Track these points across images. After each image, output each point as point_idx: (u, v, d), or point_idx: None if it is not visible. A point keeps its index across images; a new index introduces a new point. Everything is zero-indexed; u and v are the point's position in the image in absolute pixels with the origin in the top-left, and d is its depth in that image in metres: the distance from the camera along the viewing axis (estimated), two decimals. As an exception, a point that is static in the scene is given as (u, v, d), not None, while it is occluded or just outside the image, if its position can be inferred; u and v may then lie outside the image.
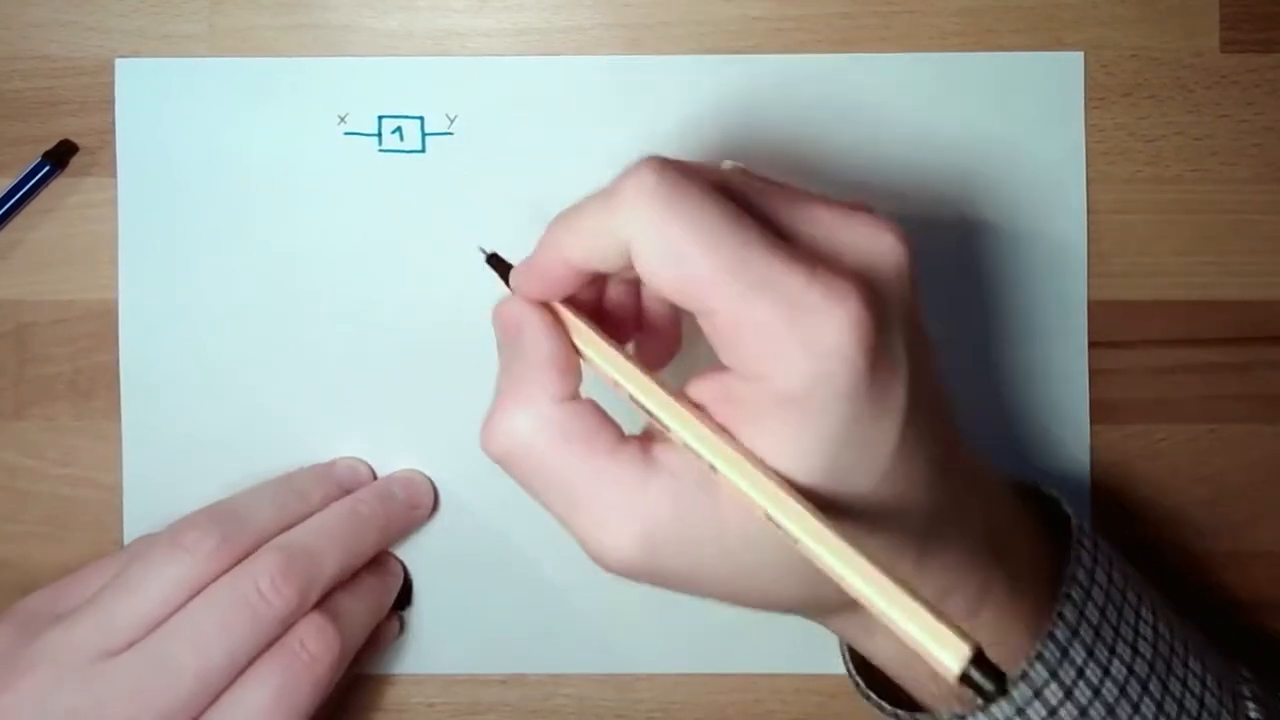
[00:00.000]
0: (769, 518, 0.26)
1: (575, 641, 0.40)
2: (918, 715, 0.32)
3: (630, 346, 0.33)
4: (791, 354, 0.26)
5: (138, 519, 0.39)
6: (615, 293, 0.32)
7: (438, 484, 0.40)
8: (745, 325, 0.26)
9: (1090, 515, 0.39)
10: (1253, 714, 0.34)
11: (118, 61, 0.39)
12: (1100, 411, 0.40)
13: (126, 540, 0.39)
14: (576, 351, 0.29)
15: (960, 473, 0.30)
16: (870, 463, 0.27)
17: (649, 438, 0.29)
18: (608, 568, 0.28)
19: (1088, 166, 0.39)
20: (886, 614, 0.24)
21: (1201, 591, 0.40)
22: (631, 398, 0.28)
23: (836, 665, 0.40)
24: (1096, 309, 0.40)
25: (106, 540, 0.40)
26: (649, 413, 0.28)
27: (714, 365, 0.28)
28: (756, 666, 0.40)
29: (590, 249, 0.28)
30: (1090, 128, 0.39)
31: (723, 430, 0.27)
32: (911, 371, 0.27)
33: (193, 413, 0.39)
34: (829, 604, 0.30)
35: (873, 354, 0.26)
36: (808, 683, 0.40)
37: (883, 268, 0.28)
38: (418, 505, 0.39)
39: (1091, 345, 0.40)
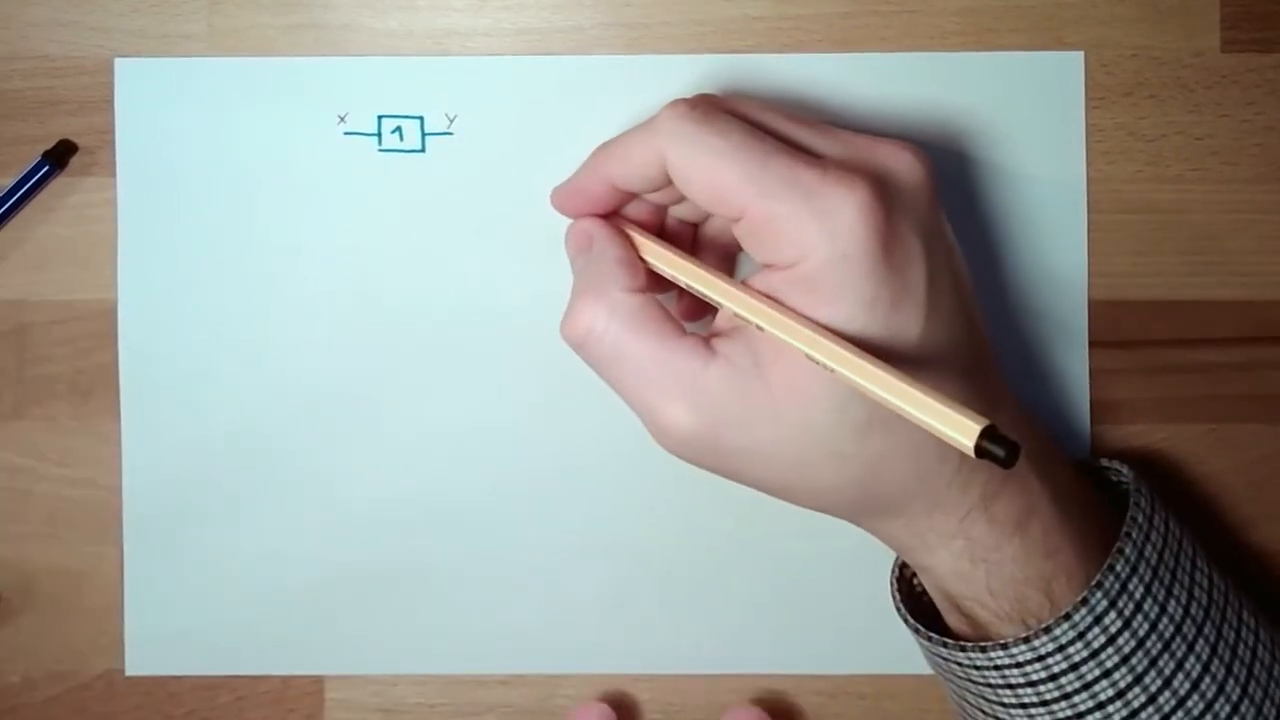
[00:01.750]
0: (808, 357, 0.29)
1: (575, 641, 0.40)
2: (965, 643, 0.33)
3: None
4: (811, 237, 0.30)
5: (137, 519, 0.39)
6: (671, 224, 0.36)
7: (438, 483, 0.40)
8: (771, 219, 0.30)
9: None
10: None
11: (117, 61, 0.39)
12: (1100, 411, 0.40)
13: (126, 541, 0.39)
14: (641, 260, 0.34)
15: (1000, 394, 0.33)
16: (898, 351, 0.30)
17: (705, 335, 0.33)
18: (670, 442, 0.32)
19: (1088, 166, 0.39)
20: (909, 409, 0.28)
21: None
22: (690, 286, 0.33)
23: (836, 666, 0.40)
24: (1096, 309, 0.40)
25: (106, 540, 0.40)
26: (703, 294, 0.32)
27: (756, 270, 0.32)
28: (756, 667, 0.40)
29: (631, 168, 0.33)
30: (1090, 128, 0.39)
31: (767, 298, 0.31)
32: (930, 272, 0.31)
33: (193, 413, 0.39)
34: (882, 502, 0.32)
35: (884, 238, 0.30)
36: (807, 683, 0.40)
37: (898, 177, 0.32)
38: None
39: (1091, 345, 0.40)
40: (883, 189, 0.31)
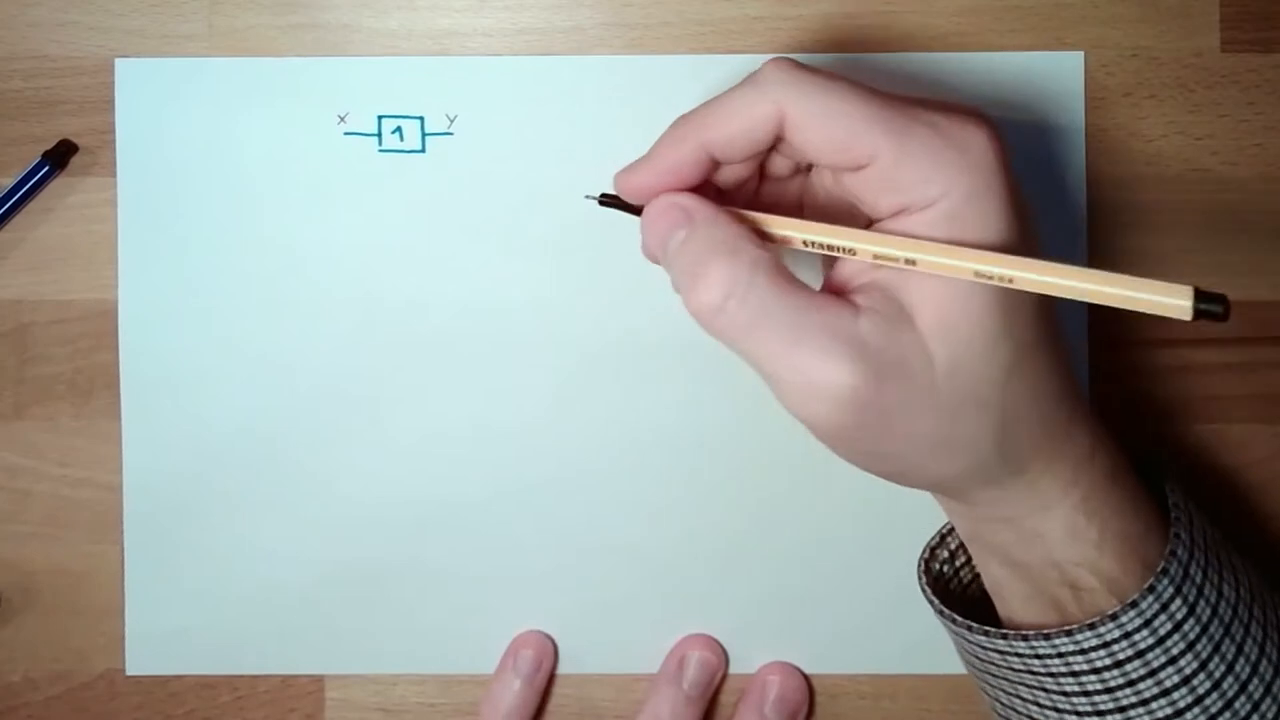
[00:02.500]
0: (977, 275, 0.29)
1: (575, 641, 0.40)
2: (1027, 633, 0.32)
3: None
4: (953, 170, 0.30)
5: (138, 519, 0.39)
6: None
7: (439, 483, 0.40)
8: (907, 156, 0.30)
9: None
10: None
11: (117, 61, 0.39)
12: (1100, 411, 0.40)
13: (126, 540, 0.39)
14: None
15: (1068, 372, 0.33)
16: (1019, 299, 0.30)
17: (832, 291, 0.31)
18: (823, 408, 0.30)
19: (1088, 166, 0.39)
20: (1115, 294, 0.29)
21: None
22: (818, 242, 0.31)
23: (836, 666, 0.40)
24: (1097, 308, 0.39)
25: (107, 540, 0.40)
26: (836, 246, 0.31)
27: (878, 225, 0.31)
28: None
29: (736, 130, 0.31)
30: (1090, 128, 0.39)
31: (907, 235, 0.30)
32: (1028, 224, 0.31)
33: (193, 412, 0.39)
34: (1012, 456, 0.32)
35: (1010, 174, 0.30)
36: (814, 682, 0.40)
37: (989, 133, 0.31)
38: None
39: (1091, 345, 0.40)
40: (995, 127, 0.31)
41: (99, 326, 0.39)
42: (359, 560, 0.40)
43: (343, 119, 0.39)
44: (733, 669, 0.40)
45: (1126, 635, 0.31)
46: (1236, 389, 0.40)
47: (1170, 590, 0.32)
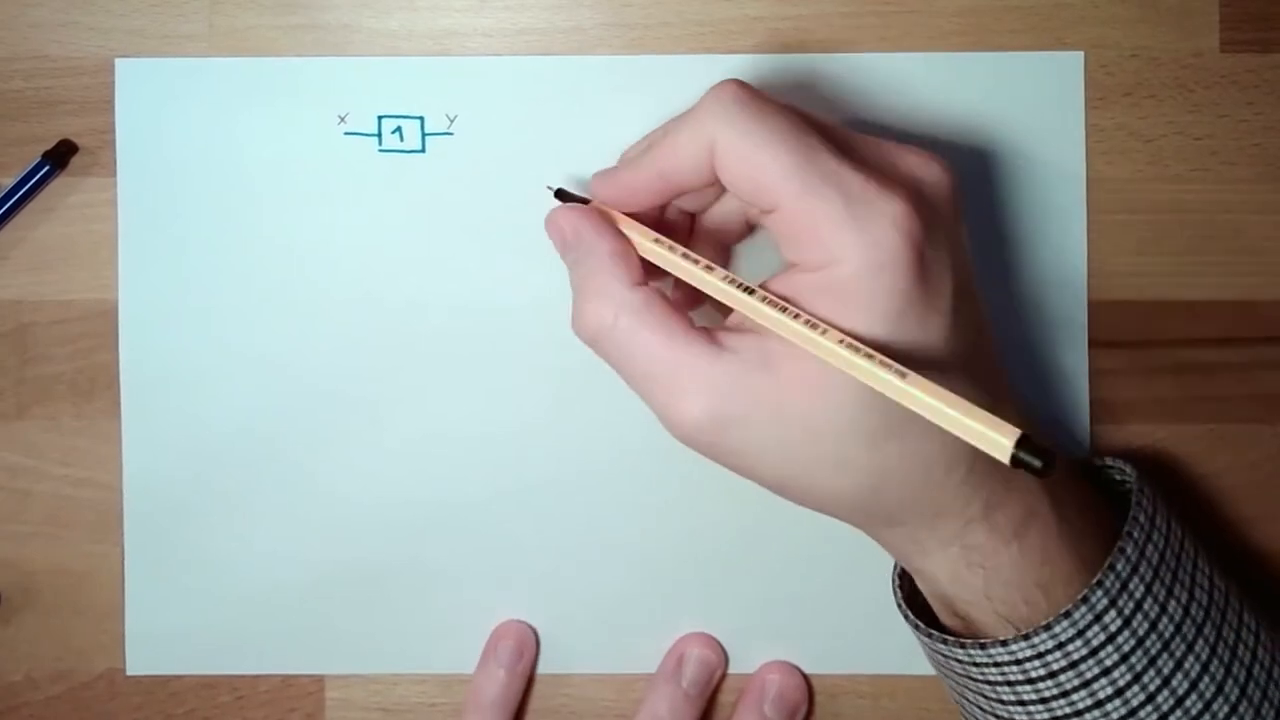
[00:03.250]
0: (827, 361, 0.29)
1: (575, 641, 0.40)
2: (965, 640, 0.33)
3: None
4: (849, 241, 0.29)
5: (138, 519, 0.39)
6: (671, 213, 0.36)
7: (439, 483, 0.40)
8: (809, 216, 0.30)
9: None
10: None
11: (118, 61, 0.39)
12: (1100, 411, 0.40)
13: (127, 540, 0.39)
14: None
15: (1008, 402, 0.33)
16: (916, 360, 0.29)
17: (714, 329, 0.32)
18: (679, 436, 0.32)
19: (1088, 166, 0.39)
20: (946, 415, 0.28)
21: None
22: (708, 268, 0.32)
23: (836, 666, 0.40)
24: (1096, 309, 0.40)
25: (107, 540, 0.40)
26: (714, 295, 0.32)
27: (780, 270, 0.32)
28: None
29: (682, 159, 0.32)
30: (1090, 128, 0.39)
31: (782, 301, 0.30)
32: (956, 288, 0.31)
33: (193, 413, 0.39)
34: (884, 510, 0.32)
35: (919, 251, 0.30)
36: (813, 683, 0.40)
37: (929, 187, 0.32)
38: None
39: (1091, 345, 0.40)
40: (919, 200, 0.30)
41: (99, 326, 0.39)
42: (359, 560, 0.40)
43: (343, 119, 0.39)
44: (732, 668, 0.40)
45: (1060, 645, 0.32)
46: (1236, 389, 0.40)
47: (1105, 602, 0.32)
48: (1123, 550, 0.32)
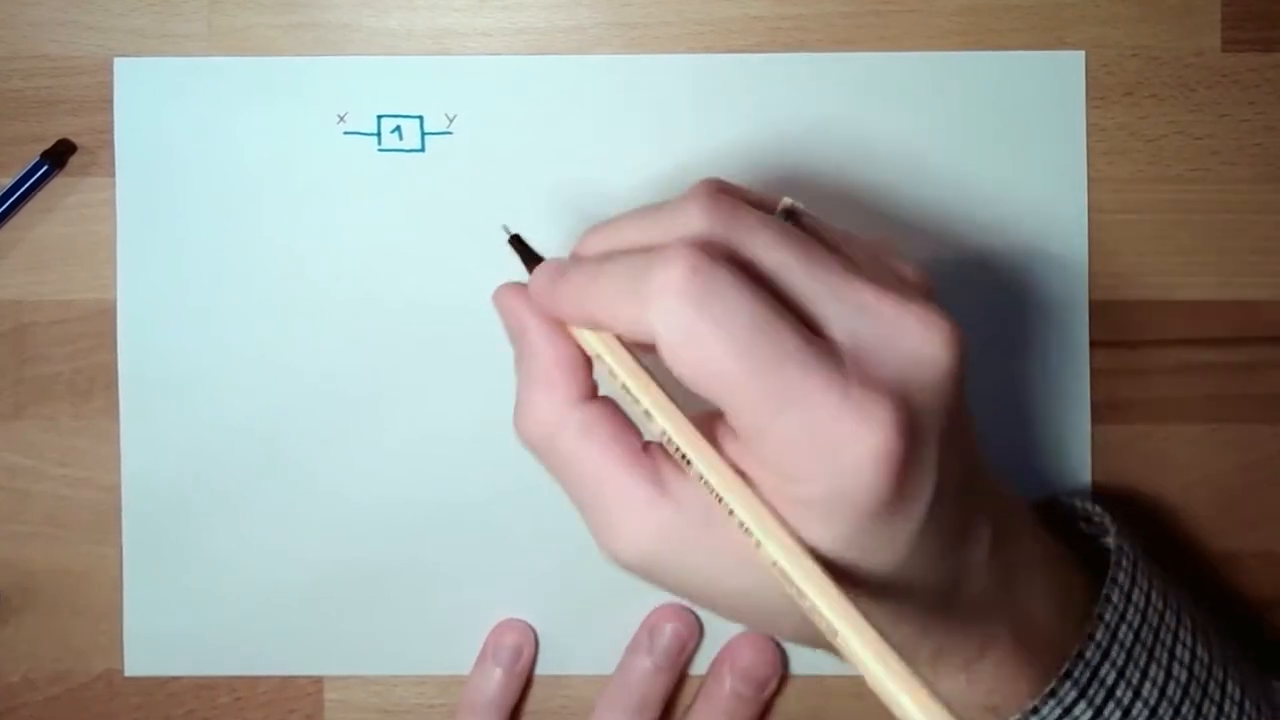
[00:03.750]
0: (775, 564, 0.26)
1: (576, 641, 0.40)
2: None
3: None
4: (814, 472, 0.26)
5: (137, 519, 0.39)
6: None
7: (439, 483, 0.40)
8: (770, 435, 0.26)
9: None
10: None
11: (117, 61, 0.39)
12: (1100, 411, 0.40)
13: (126, 541, 0.39)
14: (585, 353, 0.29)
15: (977, 539, 0.30)
16: (881, 560, 0.27)
17: (661, 461, 0.28)
18: (613, 563, 0.29)
19: (1088, 166, 0.39)
20: (865, 669, 0.25)
21: (1202, 591, 0.40)
22: (647, 413, 0.28)
23: (837, 667, 0.40)
24: (1097, 309, 0.40)
25: (106, 540, 0.40)
26: (667, 437, 0.28)
27: None
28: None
29: (616, 324, 0.27)
30: (1090, 127, 0.39)
31: (739, 476, 0.27)
32: (940, 479, 0.27)
33: (192, 413, 0.39)
34: (819, 643, 0.30)
35: (895, 477, 0.26)
36: (808, 683, 0.40)
37: (928, 373, 0.27)
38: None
39: (1091, 345, 0.40)
40: (908, 417, 0.26)
41: (98, 326, 0.39)
42: (359, 560, 0.40)
43: (342, 118, 0.39)
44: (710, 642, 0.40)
45: None
46: (1236, 389, 0.40)
47: (1074, 694, 0.31)
48: (1092, 636, 0.31)
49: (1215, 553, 0.40)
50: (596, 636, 0.40)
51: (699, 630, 0.40)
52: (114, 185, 0.39)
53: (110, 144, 0.39)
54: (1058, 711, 0.31)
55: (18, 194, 0.39)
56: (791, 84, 0.39)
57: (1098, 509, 0.35)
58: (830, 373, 0.25)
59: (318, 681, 0.40)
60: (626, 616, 0.40)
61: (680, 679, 0.40)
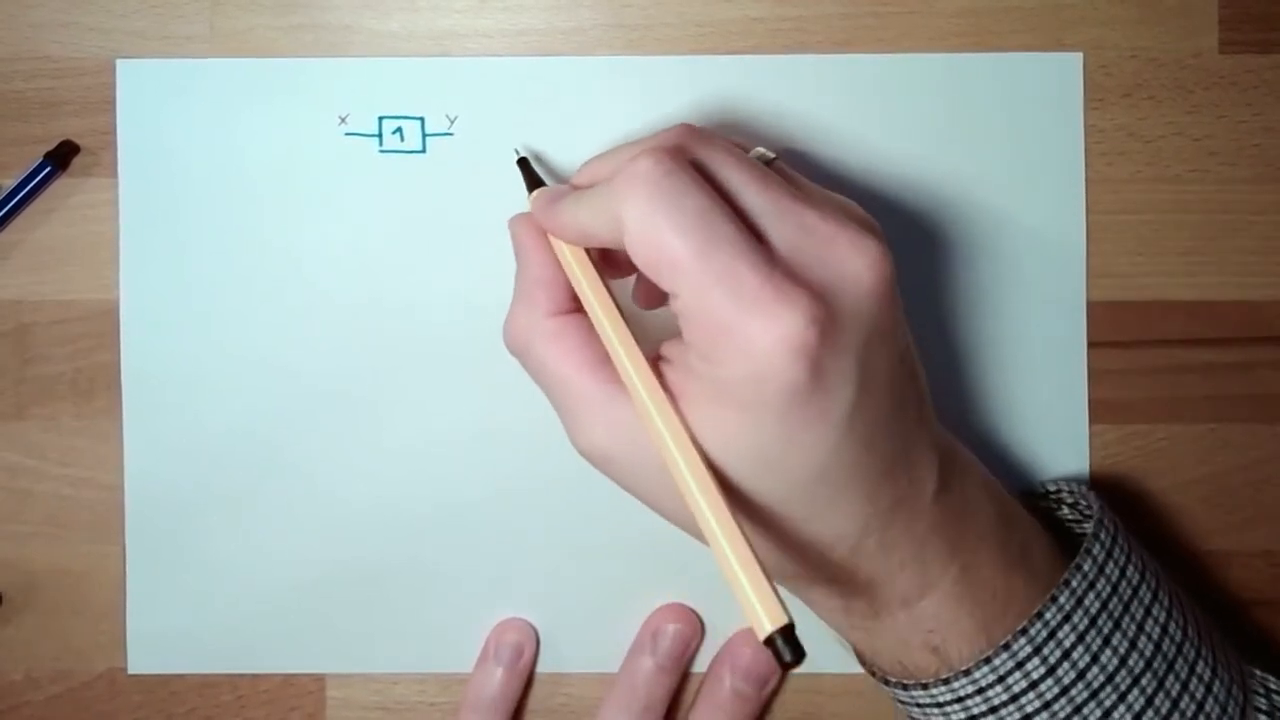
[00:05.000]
0: (662, 445, 0.29)
1: (576, 641, 0.40)
2: (889, 678, 0.34)
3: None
4: (734, 347, 0.28)
5: (138, 519, 0.40)
6: None
7: (440, 483, 0.40)
8: (700, 310, 0.29)
9: (1090, 515, 0.39)
10: None
11: (119, 62, 0.39)
12: (1100, 411, 0.40)
13: (128, 541, 0.40)
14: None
15: (917, 479, 0.32)
16: (797, 463, 0.29)
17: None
18: (582, 456, 0.32)
19: (1088, 166, 0.39)
20: (730, 572, 0.27)
21: (1202, 591, 0.40)
22: (594, 316, 0.32)
23: (837, 666, 0.40)
24: (1096, 309, 0.40)
25: (108, 539, 0.40)
26: (605, 335, 0.31)
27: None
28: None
29: (596, 224, 0.31)
30: (1090, 128, 0.39)
31: (659, 388, 0.30)
32: (859, 391, 0.29)
33: (194, 413, 0.39)
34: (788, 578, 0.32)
35: (809, 368, 0.28)
36: (808, 682, 0.40)
37: (851, 286, 0.29)
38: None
39: (1091, 345, 0.40)
40: (824, 306, 0.28)
41: (100, 327, 0.40)
42: (360, 560, 0.40)
43: (344, 120, 0.39)
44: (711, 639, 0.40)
45: (980, 690, 0.32)
46: (1236, 389, 0.40)
47: (1028, 649, 0.32)
48: (1054, 599, 0.32)
49: (1215, 553, 0.40)
50: (597, 635, 0.40)
51: (701, 630, 0.40)
52: (116, 186, 0.39)
53: (112, 145, 0.39)
54: (1010, 664, 0.32)
55: (21, 195, 0.39)
56: (791, 85, 0.39)
57: (1082, 488, 0.37)
58: (760, 263, 0.28)
59: (319, 680, 0.40)
60: (627, 615, 0.40)
61: (683, 677, 0.40)
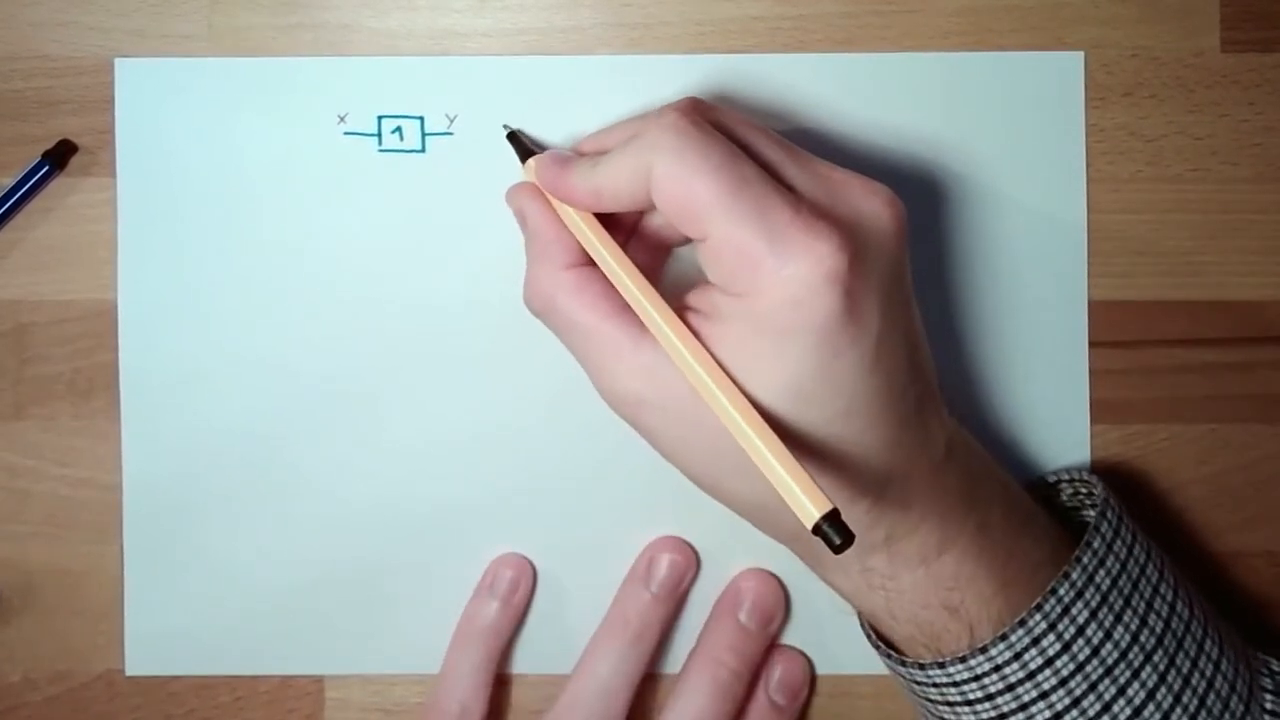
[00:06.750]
0: (694, 389, 0.30)
1: (575, 641, 0.40)
2: (905, 660, 0.34)
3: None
4: (768, 277, 0.29)
5: (138, 519, 0.39)
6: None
7: (439, 483, 0.40)
8: (732, 246, 0.30)
9: (1090, 515, 0.39)
10: (1269, 704, 0.34)
11: (117, 61, 0.39)
12: (1100, 411, 0.40)
13: (126, 541, 0.39)
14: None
15: (930, 432, 0.33)
16: (831, 395, 0.30)
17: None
18: (608, 405, 0.33)
19: (1088, 166, 0.39)
20: (771, 468, 0.29)
21: (1202, 591, 0.40)
22: (613, 272, 0.33)
23: (837, 666, 0.40)
24: (1096, 309, 0.40)
25: (107, 540, 0.40)
26: (626, 289, 0.32)
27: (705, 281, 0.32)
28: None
29: (621, 183, 0.32)
30: (1090, 128, 0.39)
31: (683, 325, 0.31)
32: (884, 326, 0.30)
33: (192, 413, 0.39)
34: (782, 526, 0.33)
35: (842, 294, 0.29)
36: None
37: (871, 222, 0.31)
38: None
39: (1091, 345, 0.40)
40: (851, 239, 0.30)
41: (99, 326, 0.39)
42: (358, 560, 0.40)
43: (343, 119, 0.39)
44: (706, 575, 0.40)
45: (996, 669, 0.32)
46: (1236, 389, 0.40)
47: (1043, 626, 0.32)
48: (1068, 575, 0.33)
49: (1215, 553, 0.40)
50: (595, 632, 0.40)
51: (696, 563, 0.39)
52: (114, 185, 0.39)
53: (111, 144, 0.39)
54: (1026, 640, 0.32)
55: (19, 194, 0.39)
56: (791, 84, 0.39)
57: (1084, 473, 0.37)
58: (786, 198, 0.30)
59: (318, 681, 0.40)
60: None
61: (677, 611, 0.40)
